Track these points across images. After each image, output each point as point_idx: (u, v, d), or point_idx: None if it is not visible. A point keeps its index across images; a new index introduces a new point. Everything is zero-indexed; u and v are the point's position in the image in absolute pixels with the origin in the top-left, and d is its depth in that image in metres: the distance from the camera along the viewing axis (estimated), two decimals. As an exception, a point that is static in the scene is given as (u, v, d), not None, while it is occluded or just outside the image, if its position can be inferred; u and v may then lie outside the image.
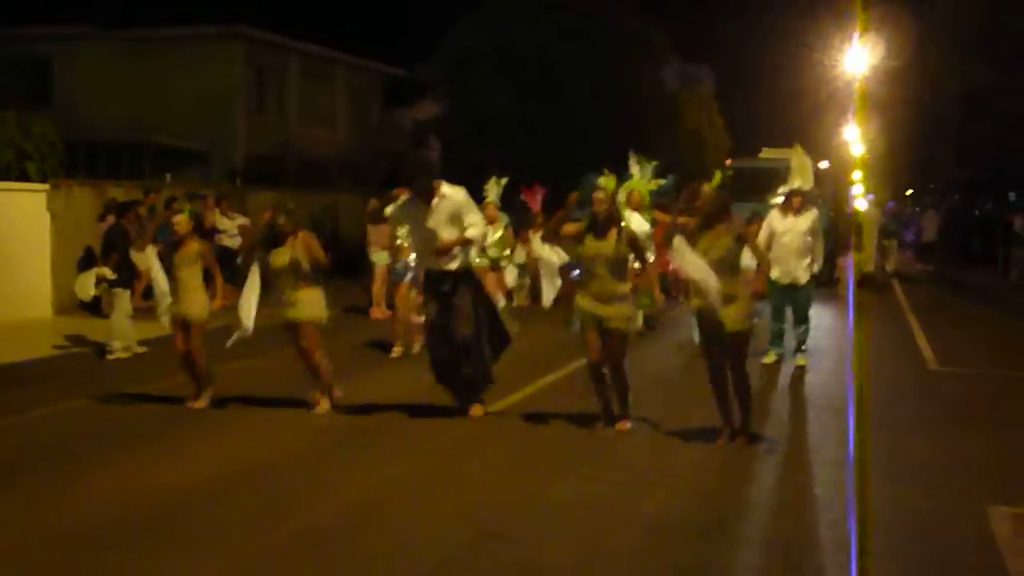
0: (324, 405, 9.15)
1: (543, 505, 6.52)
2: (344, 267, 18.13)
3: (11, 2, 28.91)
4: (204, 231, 17.20)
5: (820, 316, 12.02)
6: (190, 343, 9.22)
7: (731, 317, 7.82)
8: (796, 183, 11.64)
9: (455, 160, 29.39)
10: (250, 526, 6.12)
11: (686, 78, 40.13)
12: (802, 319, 11.79)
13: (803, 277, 11.63)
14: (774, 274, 11.62)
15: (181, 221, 9.29)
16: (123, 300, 12.09)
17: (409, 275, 11.93)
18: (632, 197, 12.80)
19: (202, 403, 9.33)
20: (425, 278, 9.11)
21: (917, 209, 31.73)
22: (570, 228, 8.53)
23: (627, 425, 8.44)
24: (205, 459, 7.61)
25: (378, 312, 15.57)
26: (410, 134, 37.54)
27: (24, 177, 15.33)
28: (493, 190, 14.81)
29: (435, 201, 8.78)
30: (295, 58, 32.29)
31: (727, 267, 7.86)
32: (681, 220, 8.26)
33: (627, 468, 7.44)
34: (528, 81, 28.21)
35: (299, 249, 8.97)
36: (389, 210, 9.19)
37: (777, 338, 11.99)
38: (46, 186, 15.54)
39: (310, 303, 9.04)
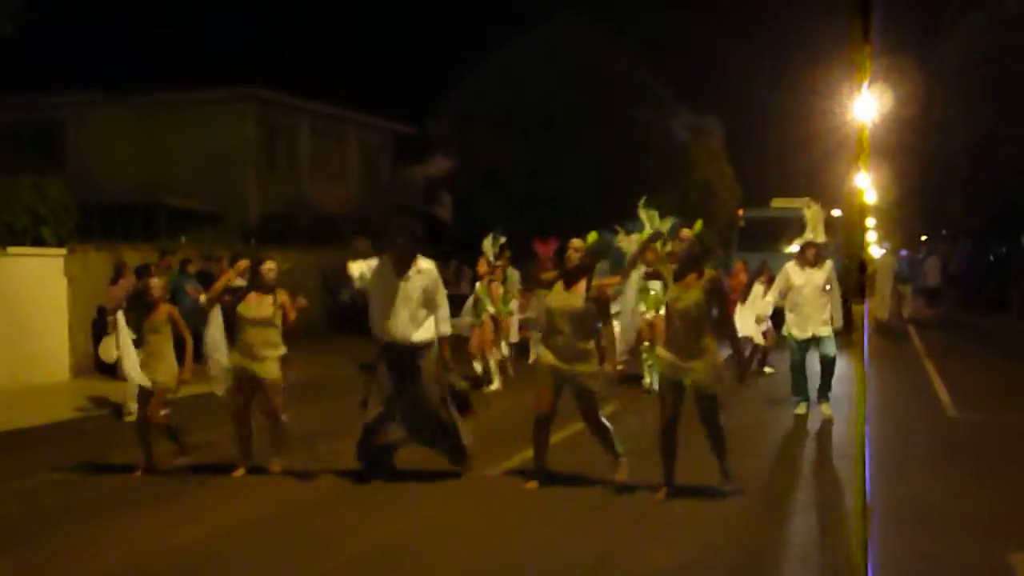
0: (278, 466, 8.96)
1: (555, 559, 6.47)
2: (356, 323, 18.08)
3: (24, 69, 29.36)
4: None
5: (836, 364, 11.94)
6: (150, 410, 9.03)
7: (695, 370, 7.77)
8: (809, 236, 11.66)
9: (465, 214, 29.61)
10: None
11: (696, 129, 40.37)
12: (827, 367, 11.61)
13: (823, 330, 11.55)
14: (793, 329, 11.64)
15: (156, 285, 9.15)
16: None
17: None
18: (648, 256, 12.78)
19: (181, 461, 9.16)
20: (385, 349, 8.53)
21: (919, 256, 31.71)
22: (548, 274, 8.50)
23: (620, 476, 8.26)
24: (210, 518, 7.56)
25: None
26: (422, 190, 37.83)
27: (39, 242, 15.47)
28: (489, 247, 14.90)
29: (411, 272, 8.46)
30: (306, 117, 32.62)
31: (692, 320, 7.75)
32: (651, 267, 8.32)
33: (635, 522, 7.37)
34: (533, 133, 28.44)
35: (279, 304, 8.87)
36: (356, 267, 8.65)
37: (801, 391, 11.91)
38: (63, 251, 15.68)
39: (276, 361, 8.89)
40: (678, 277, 7.87)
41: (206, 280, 17.30)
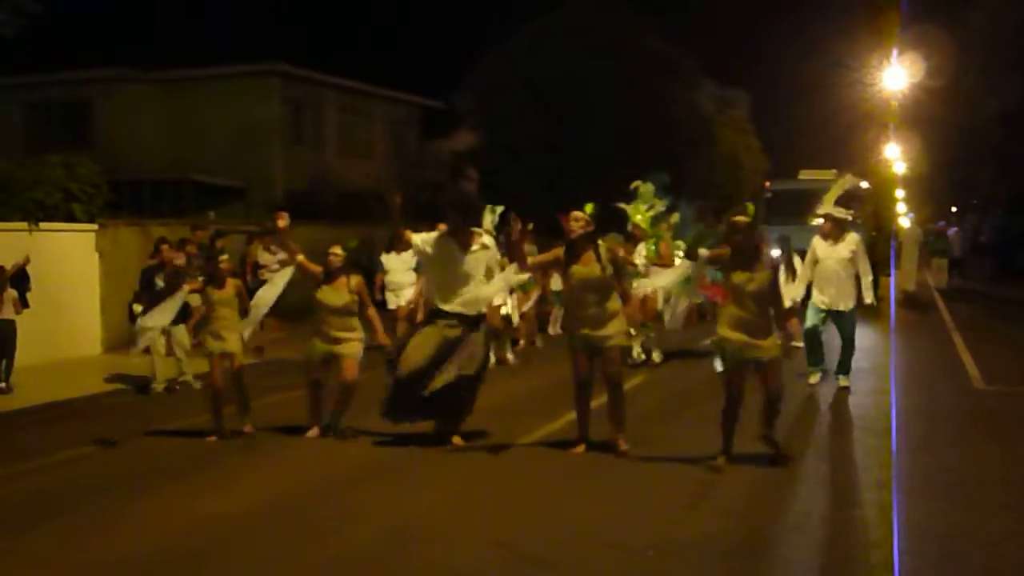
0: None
1: (579, 529, 6.53)
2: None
3: (51, 47, 29.50)
4: (248, 267, 17.51)
5: (862, 336, 11.93)
6: (233, 376, 9.51)
7: (767, 348, 7.91)
8: (823, 210, 11.62)
9: (492, 189, 29.64)
10: (288, 554, 6.19)
11: (721, 101, 40.16)
12: (848, 343, 11.62)
13: (845, 304, 11.50)
14: (816, 299, 11.63)
15: (226, 260, 9.69)
16: (178, 338, 12.35)
17: None
18: (636, 232, 12.84)
19: (249, 427, 9.62)
20: (434, 313, 8.88)
21: (941, 227, 31.53)
22: (544, 257, 8.77)
23: (624, 446, 8.45)
24: (245, 490, 7.72)
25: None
26: (448, 165, 37.83)
27: (71, 218, 15.66)
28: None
29: (474, 248, 8.81)
30: (331, 93, 32.66)
31: (765, 301, 7.89)
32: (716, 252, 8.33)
33: (663, 491, 7.43)
34: (559, 107, 28.36)
35: (354, 289, 9.25)
36: (417, 239, 8.90)
37: (817, 359, 11.91)
38: (94, 226, 15.87)
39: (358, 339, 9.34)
40: (746, 264, 7.90)
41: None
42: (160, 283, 11.79)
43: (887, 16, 31.58)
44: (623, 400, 8.64)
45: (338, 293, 9.24)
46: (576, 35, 28.45)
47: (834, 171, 25.57)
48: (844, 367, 11.67)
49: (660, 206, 13.05)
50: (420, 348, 8.68)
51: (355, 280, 9.31)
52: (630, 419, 8.82)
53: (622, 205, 12.87)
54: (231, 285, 9.66)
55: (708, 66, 35.64)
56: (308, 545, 6.34)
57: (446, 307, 8.75)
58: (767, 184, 26.03)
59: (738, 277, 7.92)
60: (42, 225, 15.03)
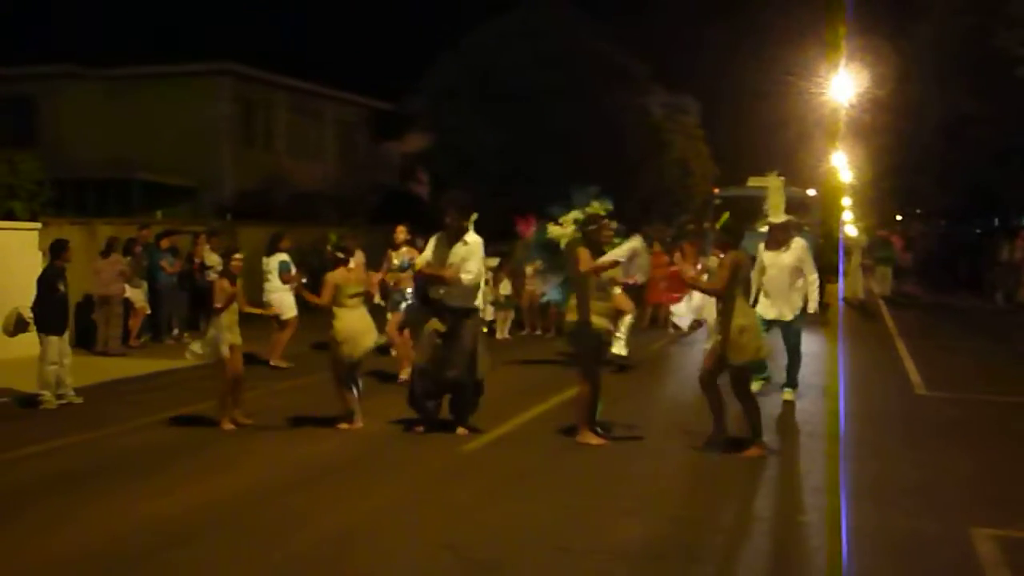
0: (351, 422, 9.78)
1: (528, 532, 6.54)
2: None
3: (-3, 43, 29.07)
4: (195, 267, 17.36)
5: (808, 342, 12.04)
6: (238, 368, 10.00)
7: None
8: (772, 219, 11.69)
9: (442, 192, 29.56)
10: (237, 556, 6.14)
11: (671, 108, 40.41)
12: (793, 353, 11.55)
13: (789, 313, 11.44)
14: (762, 308, 11.65)
15: (238, 259, 10.08)
16: (48, 347, 11.06)
17: (403, 306, 12.26)
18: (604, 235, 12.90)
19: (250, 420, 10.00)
20: (428, 303, 9.60)
21: (882, 233, 32.03)
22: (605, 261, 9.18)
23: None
24: (188, 491, 7.58)
25: None
26: (398, 167, 37.73)
27: (11, 216, 15.38)
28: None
29: (458, 245, 9.41)
30: (282, 93, 32.47)
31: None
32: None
33: (612, 494, 7.46)
34: (509, 112, 28.37)
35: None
36: (428, 249, 9.68)
37: (759, 368, 11.93)
38: (37, 225, 15.60)
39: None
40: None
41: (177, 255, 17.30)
42: (62, 288, 11.29)
43: (835, 27, 32.05)
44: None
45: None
46: (526, 39, 28.50)
47: (782, 178, 25.94)
48: (791, 380, 11.55)
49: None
50: (423, 352, 9.44)
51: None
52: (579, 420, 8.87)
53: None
54: (238, 283, 10.11)
55: (658, 72, 35.93)
56: (252, 549, 6.28)
57: (440, 299, 9.39)
58: (715, 191, 26.23)
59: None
60: (-17, 223, 14.76)
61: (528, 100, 27.38)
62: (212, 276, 17.10)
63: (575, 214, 12.36)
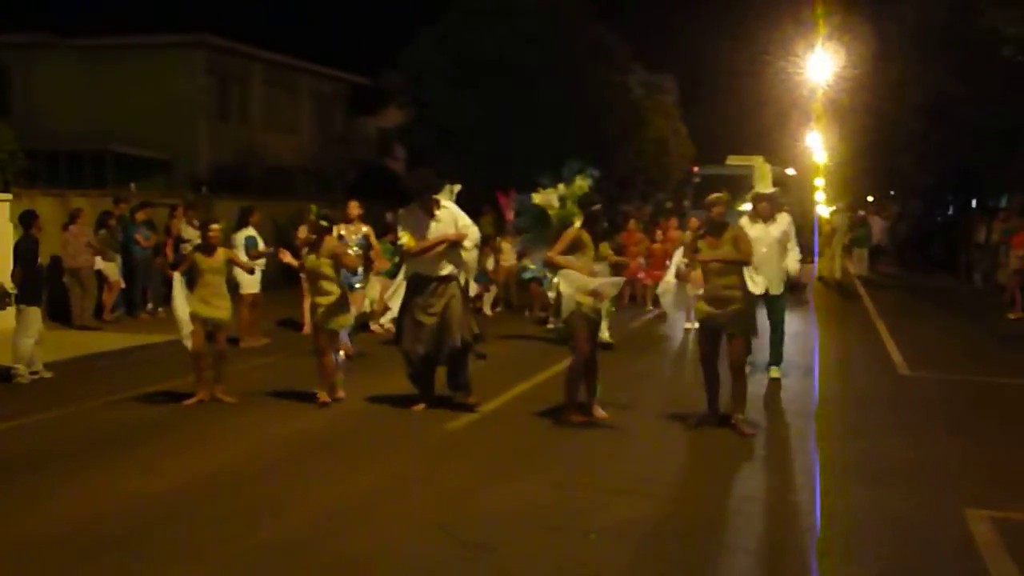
0: (325, 397, 9.68)
1: (520, 512, 6.44)
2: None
3: (-32, 10, 28.55)
4: (170, 240, 17.10)
5: (788, 322, 11.95)
6: (217, 344, 9.81)
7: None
8: (758, 188, 11.51)
9: (420, 168, 29.32)
10: (220, 536, 6.00)
11: (649, 86, 40.31)
12: (777, 328, 11.45)
13: (777, 287, 11.39)
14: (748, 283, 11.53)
15: (216, 229, 9.89)
16: (28, 318, 10.96)
17: (357, 285, 12.25)
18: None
19: (232, 398, 9.80)
20: (412, 281, 9.50)
21: (860, 213, 32.10)
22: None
23: (600, 412, 9.02)
24: (174, 468, 7.43)
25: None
26: (375, 142, 37.45)
27: (-18, 187, 15.08)
28: (446, 197, 14.72)
29: (439, 213, 9.39)
30: (258, 66, 32.10)
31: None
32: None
33: (603, 474, 7.38)
34: (490, 88, 28.15)
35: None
36: (401, 217, 9.74)
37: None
38: (8, 196, 15.27)
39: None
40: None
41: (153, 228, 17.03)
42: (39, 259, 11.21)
43: (813, 5, 31.94)
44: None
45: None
46: (507, 15, 28.22)
47: (761, 157, 25.84)
48: (776, 356, 11.47)
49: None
50: (412, 331, 9.34)
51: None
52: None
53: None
54: (221, 253, 9.97)
55: (637, 50, 35.76)
56: (235, 529, 6.14)
57: (426, 271, 9.34)
58: (695, 169, 26.20)
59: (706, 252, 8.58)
60: (-48, 193, 14.44)
61: (508, 76, 27.15)
62: (187, 249, 16.87)
63: (561, 188, 12.26)
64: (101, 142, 27.31)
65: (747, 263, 8.91)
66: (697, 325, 9.12)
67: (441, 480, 7.20)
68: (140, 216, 16.72)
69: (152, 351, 13.36)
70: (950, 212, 35.35)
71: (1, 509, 6.54)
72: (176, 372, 10.91)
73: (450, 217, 9.44)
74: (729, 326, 8.63)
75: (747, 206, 12.09)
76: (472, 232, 9.48)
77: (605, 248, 9.42)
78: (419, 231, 9.40)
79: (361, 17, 37.56)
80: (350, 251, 11.53)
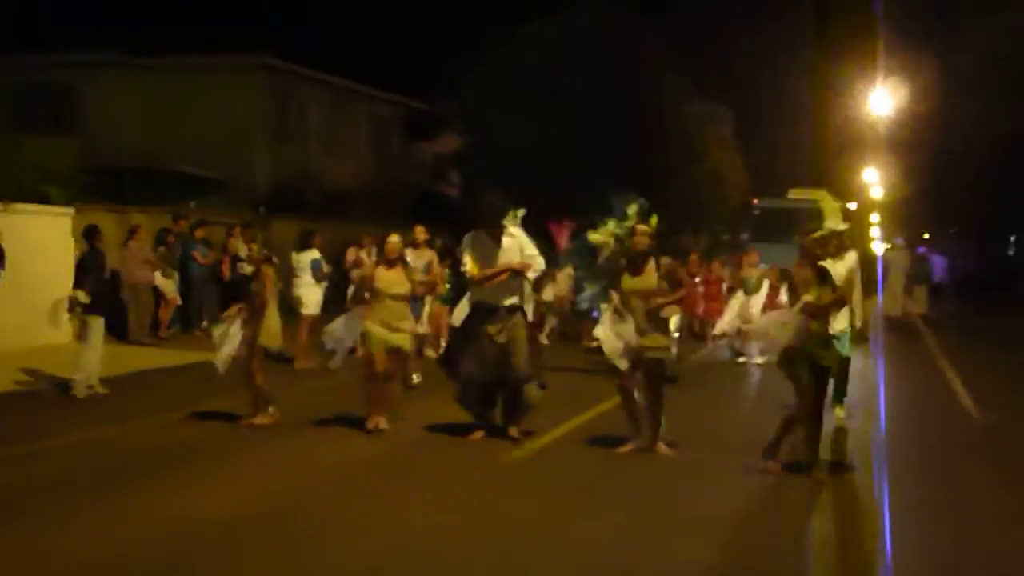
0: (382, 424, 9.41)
1: (591, 555, 6.19)
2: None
3: (37, 29, 28.97)
4: (225, 259, 17.10)
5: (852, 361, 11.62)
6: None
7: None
8: (830, 224, 11.22)
9: (474, 193, 29.31)
10: (270, 568, 5.82)
11: (706, 117, 40.06)
12: (844, 369, 10.98)
13: (840, 326, 11.06)
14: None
15: (255, 249, 9.97)
16: (96, 330, 11.07)
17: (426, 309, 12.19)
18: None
19: (263, 420, 9.56)
20: (475, 308, 9.35)
21: (921, 250, 31.54)
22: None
23: (663, 448, 8.76)
24: (227, 493, 7.30)
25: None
26: (430, 167, 37.52)
27: (45, 201, 15.18)
28: (511, 222, 14.57)
29: (506, 241, 9.22)
30: (317, 88, 32.26)
31: None
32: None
33: (666, 514, 7.13)
34: (547, 117, 28.09)
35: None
36: (467, 242, 9.40)
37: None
38: (71, 210, 15.38)
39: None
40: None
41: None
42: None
43: (874, 40, 31.60)
44: (658, 406, 8.86)
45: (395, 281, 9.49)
46: (568, 41, 28.18)
47: (824, 190, 25.51)
48: (840, 394, 11.22)
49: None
50: (475, 358, 9.15)
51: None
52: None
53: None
54: (400, 271, 9.65)
55: (695, 81, 35.58)
56: (290, 561, 5.94)
57: (488, 300, 9.19)
58: (755, 201, 25.83)
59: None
60: (17, 207, 14.51)
61: (567, 102, 27.07)
62: (245, 269, 16.85)
63: (612, 224, 11.83)
64: (161, 160, 27.53)
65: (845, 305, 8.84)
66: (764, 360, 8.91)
67: (505, 515, 6.98)
68: (199, 234, 16.79)
69: (207, 369, 13.26)
70: (1010, 252, 34.67)
71: (48, 530, 6.39)
72: (230, 391, 10.81)
73: (516, 245, 9.28)
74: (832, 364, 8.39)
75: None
76: (536, 263, 9.33)
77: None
78: (484, 258, 9.26)
79: (418, 42, 37.72)
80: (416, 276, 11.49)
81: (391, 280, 9.44)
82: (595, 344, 16.20)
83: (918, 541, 6.67)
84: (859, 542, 6.67)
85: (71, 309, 10.94)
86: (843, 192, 34.26)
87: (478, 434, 9.25)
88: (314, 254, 14.07)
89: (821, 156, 41.13)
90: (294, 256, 14.20)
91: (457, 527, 6.70)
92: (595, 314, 16.96)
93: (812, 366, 8.11)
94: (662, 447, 8.77)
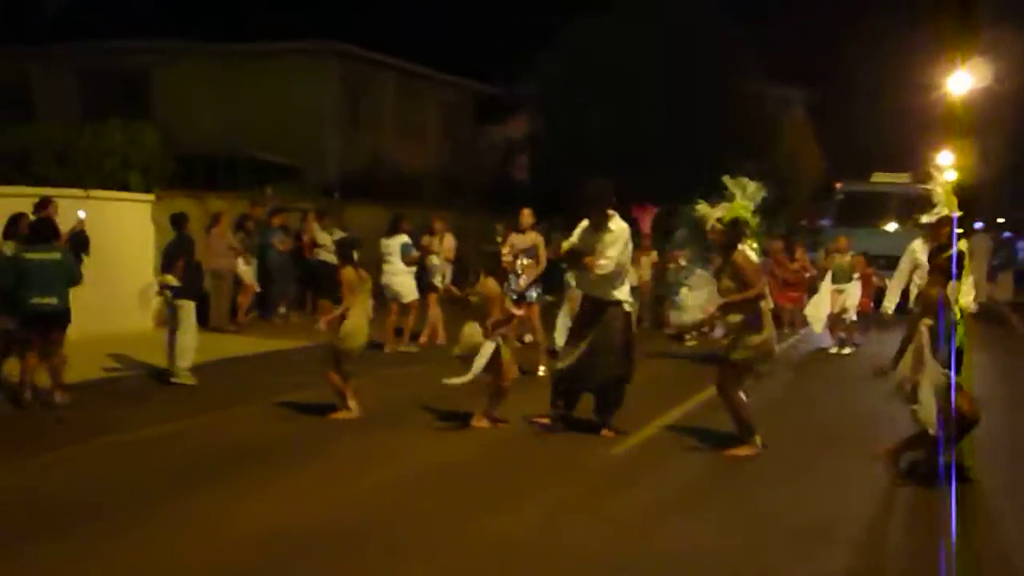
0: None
1: (708, 559, 5.86)
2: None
3: (111, 16, 29.08)
4: (305, 245, 16.97)
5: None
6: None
7: None
8: (944, 210, 10.71)
9: (548, 179, 28.95)
10: (375, 570, 5.56)
11: (781, 100, 39.26)
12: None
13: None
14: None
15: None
16: (189, 314, 10.98)
17: (534, 294, 11.80)
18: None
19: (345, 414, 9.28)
20: (583, 302, 9.16)
21: (1007, 234, 30.53)
22: None
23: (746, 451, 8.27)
24: (316, 493, 7.04)
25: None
26: (500, 151, 37.23)
27: (125, 187, 15.14)
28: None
29: (602, 231, 8.82)
30: (388, 74, 32.10)
31: None
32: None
33: (782, 515, 6.73)
34: (623, 99, 27.63)
35: None
36: (575, 234, 9.01)
37: None
38: (151, 196, 15.33)
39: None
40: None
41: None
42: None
43: (956, 18, 30.57)
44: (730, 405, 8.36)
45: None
46: (642, 24, 27.67)
47: (909, 174, 24.75)
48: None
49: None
50: (573, 351, 8.87)
51: None
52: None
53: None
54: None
55: (769, 62, 34.81)
56: (393, 564, 5.68)
57: (588, 292, 8.98)
58: (838, 185, 25.03)
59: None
60: (98, 193, 14.48)
61: (645, 87, 26.60)
62: (323, 255, 16.71)
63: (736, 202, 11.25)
64: (234, 147, 27.52)
65: None
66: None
67: (612, 514, 6.66)
68: (276, 220, 16.68)
69: (288, 356, 13.25)
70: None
71: (145, 532, 6.21)
72: (313, 380, 10.60)
73: (606, 242, 8.81)
74: None
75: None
76: (601, 269, 8.72)
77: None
78: (585, 243, 8.91)
79: (488, 26, 37.40)
80: (520, 263, 11.20)
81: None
82: (673, 331, 15.96)
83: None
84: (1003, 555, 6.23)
85: (160, 293, 10.86)
86: (920, 175, 33.38)
87: (545, 419, 9.04)
88: (403, 238, 13.87)
89: (898, 139, 40.08)
90: (383, 242, 14.01)
91: (563, 527, 6.37)
92: (676, 299, 16.64)
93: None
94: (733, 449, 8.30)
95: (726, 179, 11.35)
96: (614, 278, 8.85)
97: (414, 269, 14.05)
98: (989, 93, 30.34)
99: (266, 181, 25.02)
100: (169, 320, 11.04)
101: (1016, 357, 15.88)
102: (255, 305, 16.31)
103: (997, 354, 16.07)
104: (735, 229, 8.63)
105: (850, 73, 42.65)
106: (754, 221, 11.37)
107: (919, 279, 10.79)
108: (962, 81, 31.03)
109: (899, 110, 38.73)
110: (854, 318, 15.67)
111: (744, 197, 11.04)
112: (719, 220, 8.86)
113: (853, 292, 15.54)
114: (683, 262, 15.70)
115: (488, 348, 8.74)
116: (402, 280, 13.74)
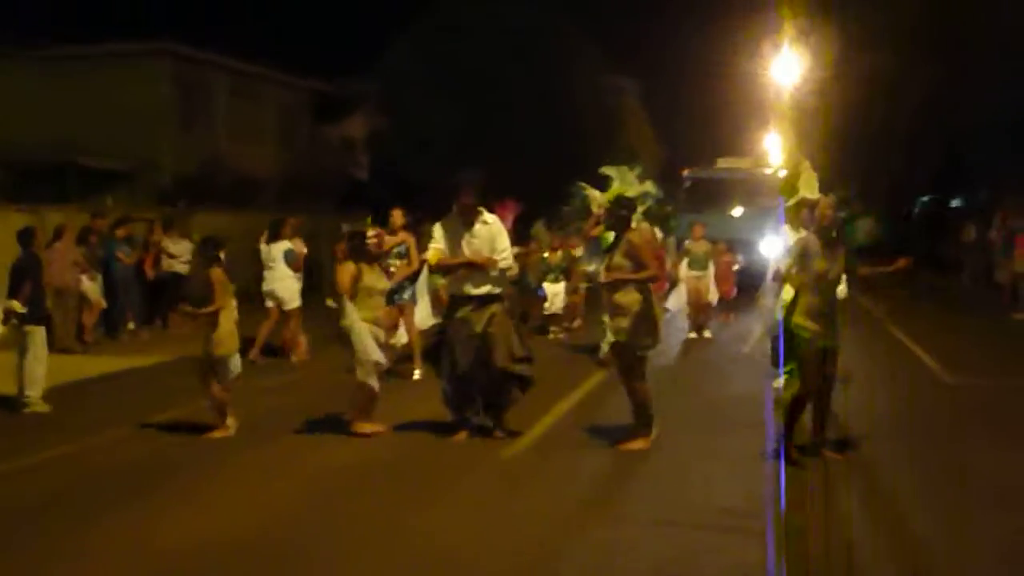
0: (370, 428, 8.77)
1: (630, 555, 5.71)
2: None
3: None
4: (151, 256, 16.17)
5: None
6: None
7: None
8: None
9: (393, 177, 28.56)
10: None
11: (615, 89, 39.82)
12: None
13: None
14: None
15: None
16: (38, 340, 10.14)
17: (407, 295, 11.47)
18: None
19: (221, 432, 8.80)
20: (451, 299, 8.72)
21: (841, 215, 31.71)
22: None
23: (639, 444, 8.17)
24: (198, 516, 6.57)
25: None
26: (339, 151, 36.57)
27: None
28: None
29: (477, 226, 8.53)
30: (222, 74, 31.08)
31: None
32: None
33: (695, 509, 6.67)
34: (470, 96, 27.52)
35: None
36: (436, 237, 8.65)
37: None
38: (-25, 211, 14.29)
39: None
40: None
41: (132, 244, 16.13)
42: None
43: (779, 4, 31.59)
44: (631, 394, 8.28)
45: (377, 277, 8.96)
46: (484, 20, 27.63)
47: (752, 159, 25.48)
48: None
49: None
50: (457, 351, 8.44)
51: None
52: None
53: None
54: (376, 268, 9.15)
55: (604, 53, 35.23)
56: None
57: (460, 291, 8.53)
58: (684, 172, 25.46)
59: (821, 264, 7.60)
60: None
61: (489, 85, 26.55)
62: (176, 266, 15.95)
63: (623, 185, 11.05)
64: (62, 154, 26.16)
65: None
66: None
67: (523, 521, 6.42)
68: (121, 232, 15.82)
69: (144, 374, 12.59)
70: (907, 210, 34.92)
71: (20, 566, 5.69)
72: (173, 399, 10.09)
73: (488, 235, 8.55)
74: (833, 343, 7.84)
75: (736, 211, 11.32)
76: (504, 263, 8.56)
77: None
78: (452, 243, 8.59)
79: (323, 24, 36.72)
80: (392, 263, 10.91)
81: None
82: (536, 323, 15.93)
83: (960, 517, 6.34)
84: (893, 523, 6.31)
85: (6, 321, 9.97)
86: (754, 160, 34.39)
87: (461, 435, 8.59)
88: (286, 244, 13.32)
89: (728, 124, 41.29)
90: (263, 248, 13.41)
91: (477, 535, 6.14)
92: (540, 292, 16.57)
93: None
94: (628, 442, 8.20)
95: (606, 168, 11.30)
96: (486, 274, 8.53)
97: (300, 275, 13.59)
98: (818, 78, 31.41)
99: (96, 189, 23.89)
100: (19, 344, 10.20)
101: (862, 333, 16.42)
102: (101, 322, 15.42)
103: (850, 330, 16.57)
104: (619, 206, 8.49)
105: (681, 60, 43.59)
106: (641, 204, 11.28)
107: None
108: (787, 67, 32.13)
109: (729, 96, 39.80)
110: (714, 303, 16.08)
111: (624, 184, 11.01)
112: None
113: (710, 277, 15.87)
114: (578, 252, 15.69)
115: (360, 328, 8.53)
116: (287, 285, 13.24)
